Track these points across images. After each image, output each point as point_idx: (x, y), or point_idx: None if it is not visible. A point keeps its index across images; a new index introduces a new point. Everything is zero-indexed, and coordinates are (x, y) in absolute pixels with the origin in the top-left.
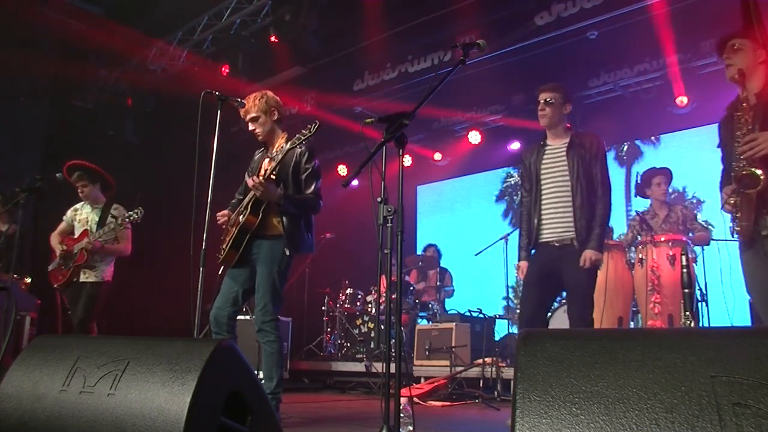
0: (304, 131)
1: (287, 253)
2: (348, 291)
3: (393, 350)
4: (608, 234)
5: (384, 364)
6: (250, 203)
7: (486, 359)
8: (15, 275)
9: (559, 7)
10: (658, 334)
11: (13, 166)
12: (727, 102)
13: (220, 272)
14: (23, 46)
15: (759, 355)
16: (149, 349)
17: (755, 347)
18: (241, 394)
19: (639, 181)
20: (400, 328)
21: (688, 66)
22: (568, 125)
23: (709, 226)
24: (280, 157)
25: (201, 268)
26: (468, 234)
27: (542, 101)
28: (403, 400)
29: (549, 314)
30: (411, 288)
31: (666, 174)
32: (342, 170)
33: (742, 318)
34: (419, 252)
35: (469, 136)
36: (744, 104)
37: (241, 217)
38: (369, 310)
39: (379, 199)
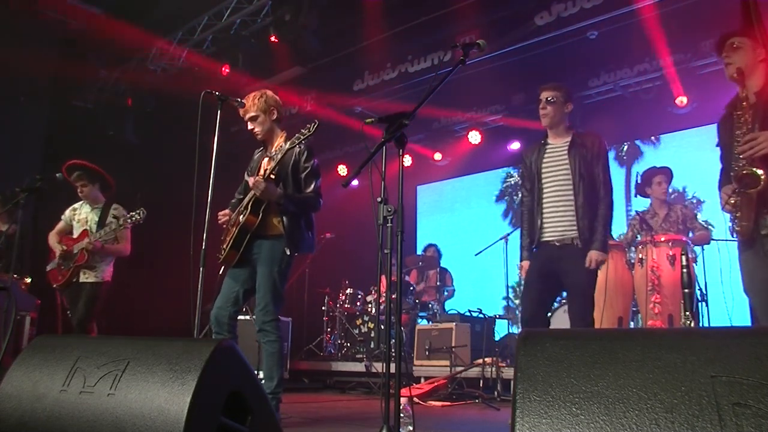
0: (303, 130)
1: (287, 252)
2: (348, 291)
3: (393, 350)
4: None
5: (384, 364)
6: (250, 203)
7: (486, 359)
8: (15, 275)
9: (559, 7)
10: (658, 334)
11: (13, 166)
12: (727, 102)
13: (220, 272)
14: (23, 46)
15: (759, 355)
16: (149, 349)
17: (755, 347)
18: (241, 394)
19: (639, 181)
20: (400, 328)
21: (688, 66)
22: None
23: (709, 226)
24: (279, 156)
25: (201, 268)
26: (468, 234)
27: (543, 100)
28: (403, 400)
29: (549, 314)
30: (411, 288)
31: (666, 173)
32: (342, 170)
33: (742, 318)
34: (419, 252)
35: (469, 136)
36: (744, 103)
37: (241, 217)
38: (369, 310)
39: (379, 199)
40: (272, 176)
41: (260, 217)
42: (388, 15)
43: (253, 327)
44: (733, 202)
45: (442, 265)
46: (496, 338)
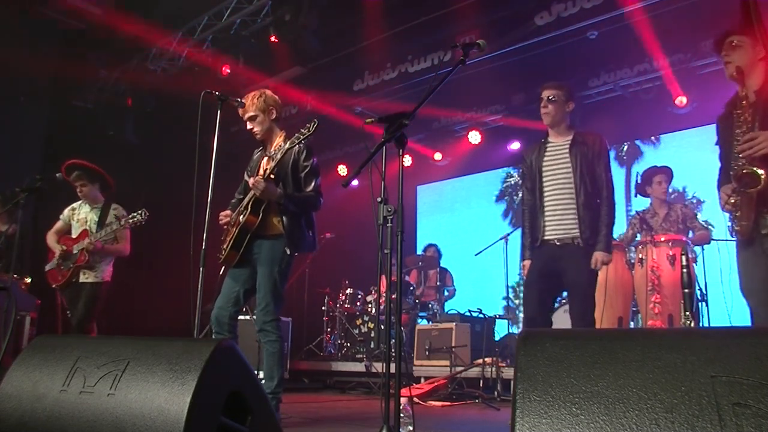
0: (303, 130)
1: (288, 252)
2: (348, 291)
3: (393, 350)
4: None
5: (384, 364)
6: (250, 203)
7: (486, 359)
8: (15, 275)
9: (559, 7)
10: (658, 334)
11: (13, 166)
12: (727, 101)
13: (221, 273)
14: (23, 46)
15: (759, 355)
16: (149, 349)
17: (755, 347)
18: (241, 394)
19: (639, 180)
20: (400, 328)
21: (688, 66)
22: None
23: (709, 226)
24: (279, 156)
25: (201, 268)
26: (468, 234)
27: (545, 99)
28: (403, 400)
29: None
30: (411, 288)
31: (667, 173)
32: (342, 170)
33: (742, 318)
34: (419, 252)
35: (469, 136)
36: (743, 102)
37: (241, 217)
38: (369, 310)
39: (379, 199)
40: (272, 176)
41: (260, 217)
42: (388, 15)
43: (253, 327)
44: (732, 201)
45: (442, 265)
46: (496, 338)
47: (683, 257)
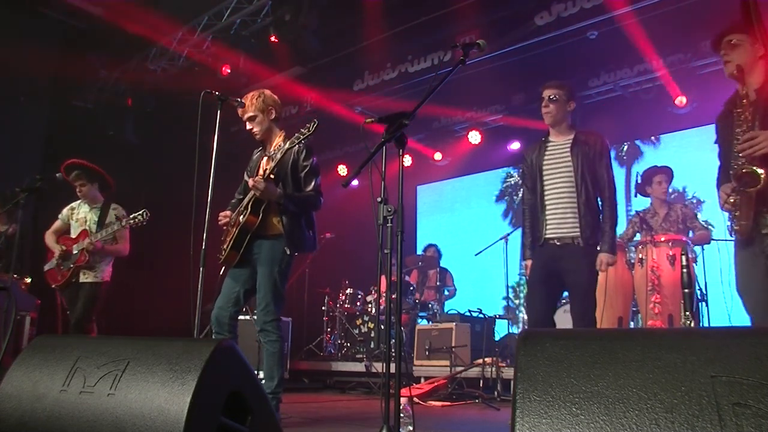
0: (303, 130)
1: (287, 252)
2: (348, 291)
3: (393, 350)
4: None
5: (384, 364)
6: (250, 203)
7: (486, 359)
8: (15, 275)
9: (559, 7)
10: (658, 334)
11: (13, 166)
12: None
13: (221, 273)
14: (23, 46)
15: (759, 355)
16: (149, 349)
17: (755, 347)
18: (241, 394)
19: (640, 180)
20: (400, 328)
21: (688, 66)
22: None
23: (709, 226)
24: (279, 156)
25: (201, 268)
26: (468, 234)
27: (546, 98)
28: (403, 400)
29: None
30: (411, 288)
31: (667, 173)
32: (342, 170)
33: (742, 318)
34: (419, 252)
35: (469, 136)
36: (744, 100)
37: (241, 217)
38: (369, 310)
39: (379, 199)
40: (272, 176)
41: (260, 217)
42: (388, 15)
43: (253, 327)
44: (732, 200)
45: (442, 265)
46: (496, 338)
47: (683, 257)
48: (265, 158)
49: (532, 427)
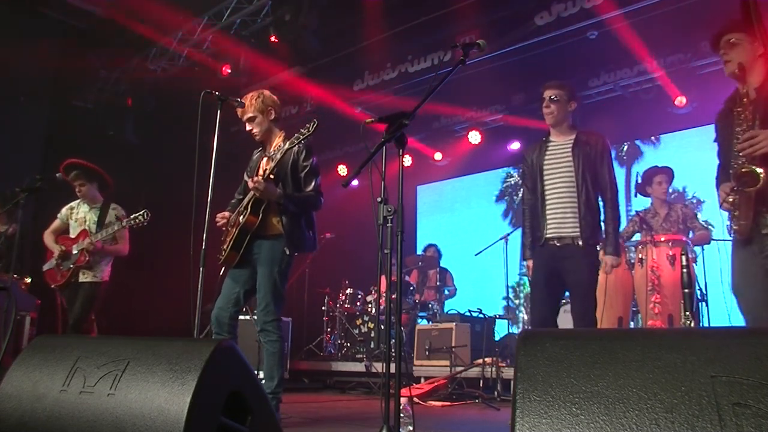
0: (302, 130)
1: (287, 252)
2: (348, 291)
3: (393, 350)
4: None
5: (384, 364)
6: (250, 203)
7: (486, 359)
8: (15, 275)
9: (559, 7)
10: (658, 334)
11: (13, 166)
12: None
13: (221, 273)
14: (23, 45)
15: (759, 355)
16: (149, 349)
17: (755, 347)
18: (241, 394)
19: (640, 180)
20: (400, 328)
21: (688, 66)
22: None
23: (709, 226)
24: (278, 156)
25: (201, 268)
26: (468, 234)
27: (547, 98)
28: (403, 400)
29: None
30: (411, 288)
31: (667, 173)
32: (342, 170)
33: (742, 318)
34: (419, 252)
35: (469, 136)
36: (744, 99)
37: (241, 217)
38: (369, 310)
39: (379, 199)
40: (272, 176)
41: (260, 217)
42: (388, 15)
43: (253, 327)
44: (731, 200)
45: (442, 265)
46: (496, 338)
47: (683, 257)
48: (265, 158)
49: (532, 427)
